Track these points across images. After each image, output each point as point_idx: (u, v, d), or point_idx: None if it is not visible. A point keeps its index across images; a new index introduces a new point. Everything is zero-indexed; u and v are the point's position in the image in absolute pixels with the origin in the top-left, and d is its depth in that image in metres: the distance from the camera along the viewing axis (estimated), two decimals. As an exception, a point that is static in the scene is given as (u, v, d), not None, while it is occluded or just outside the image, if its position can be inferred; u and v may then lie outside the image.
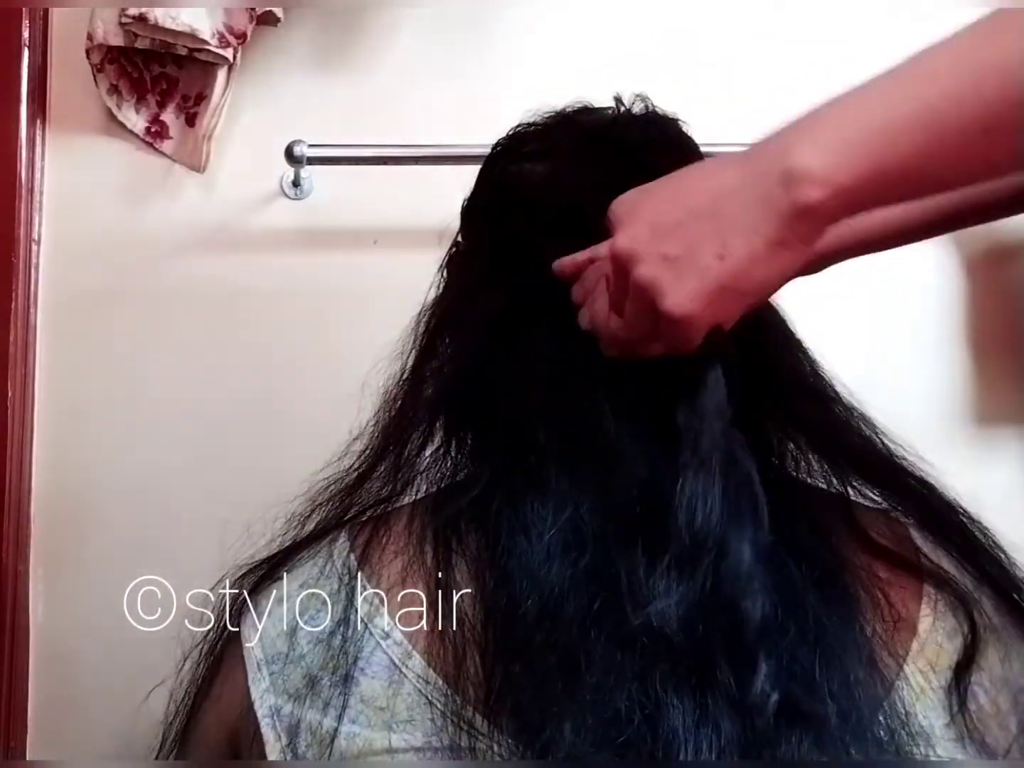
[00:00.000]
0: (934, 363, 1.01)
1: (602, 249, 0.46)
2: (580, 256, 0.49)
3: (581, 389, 0.49)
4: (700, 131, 0.59)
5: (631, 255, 0.41)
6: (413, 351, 0.57)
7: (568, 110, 0.58)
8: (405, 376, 0.56)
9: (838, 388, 0.54)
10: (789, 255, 0.38)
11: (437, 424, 0.53)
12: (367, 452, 0.54)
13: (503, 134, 0.60)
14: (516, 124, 0.59)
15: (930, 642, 0.45)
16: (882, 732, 0.42)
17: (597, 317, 0.47)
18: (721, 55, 1.01)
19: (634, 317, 0.43)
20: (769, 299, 0.56)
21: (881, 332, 1.00)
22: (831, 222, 0.37)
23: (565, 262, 0.50)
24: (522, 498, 0.46)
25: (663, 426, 0.47)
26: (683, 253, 0.39)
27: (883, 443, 0.52)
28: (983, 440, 1.00)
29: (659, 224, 0.41)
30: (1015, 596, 0.48)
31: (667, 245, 0.40)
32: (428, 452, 0.53)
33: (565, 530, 0.45)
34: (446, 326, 0.57)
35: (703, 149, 0.58)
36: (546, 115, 0.58)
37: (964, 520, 0.50)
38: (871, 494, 0.51)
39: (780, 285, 0.40)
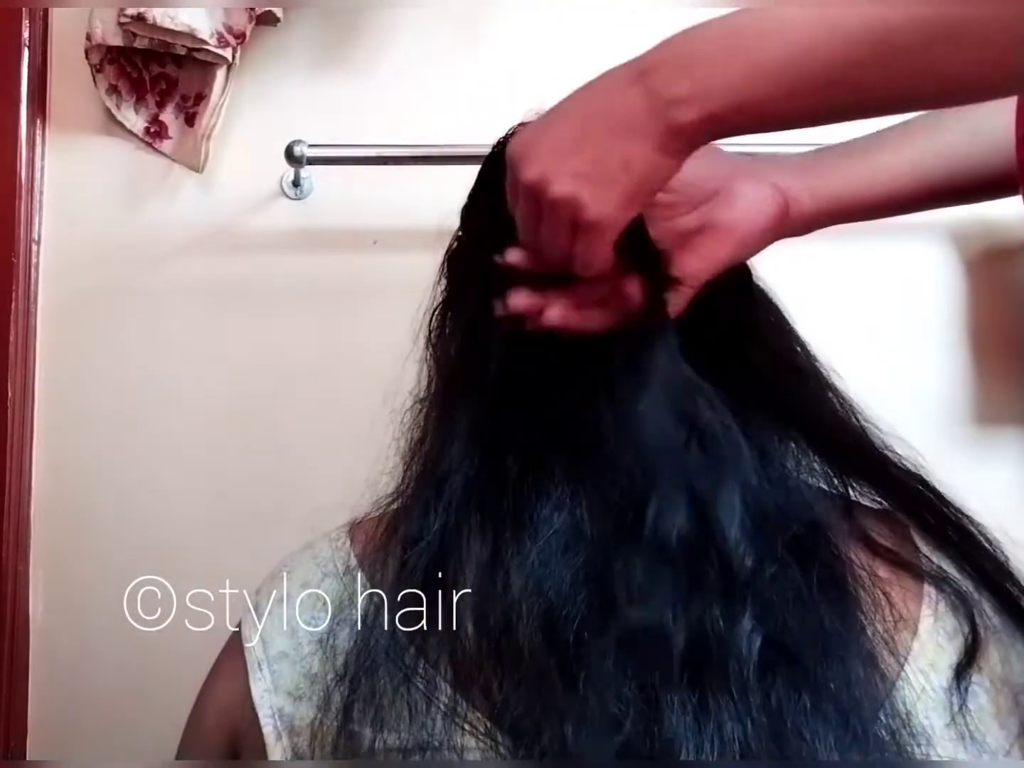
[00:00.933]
0: (934, 363, 1.01)
1: (509, 195, 0.49)
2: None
3: (582, 390, 0.49)
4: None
5: (542, 178, 0.45)
6: (424, 358, 0.57)
7: None
8: (420, 395, 0.56)
9: (837, 387, 0.54)
10: (678, 160, 0.45)
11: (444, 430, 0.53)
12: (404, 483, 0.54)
13: (503, 134, 0.60)
14: (516, 124, 0.59)
15: (931, 642, 0.45)
16: (883, 732, 0.42)
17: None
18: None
19: (551, 235, 0.47)
20: (770, 298, 0.56)
21: (881, 332, 1.00)
22: (706, 136, 0.44)
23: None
24: (523, 499, 0.47)
25: (663, 427, 0.47)
26: (591, 169, 0.45)
27: (882, 443, 0.52)
28: (983, 440, 1.00)
29: (561, 148, 0.45)
30: (1015, 596, 0.48)
31: (575, 163, 0.45)
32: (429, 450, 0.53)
33: (565, 531, 0.45)
34: (447, 326, 0.57)
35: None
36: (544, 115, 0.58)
37: (964, 520, 0.50)
38: (871, 495, 0.51)
39: (668, 179, 0.46)
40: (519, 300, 0.49)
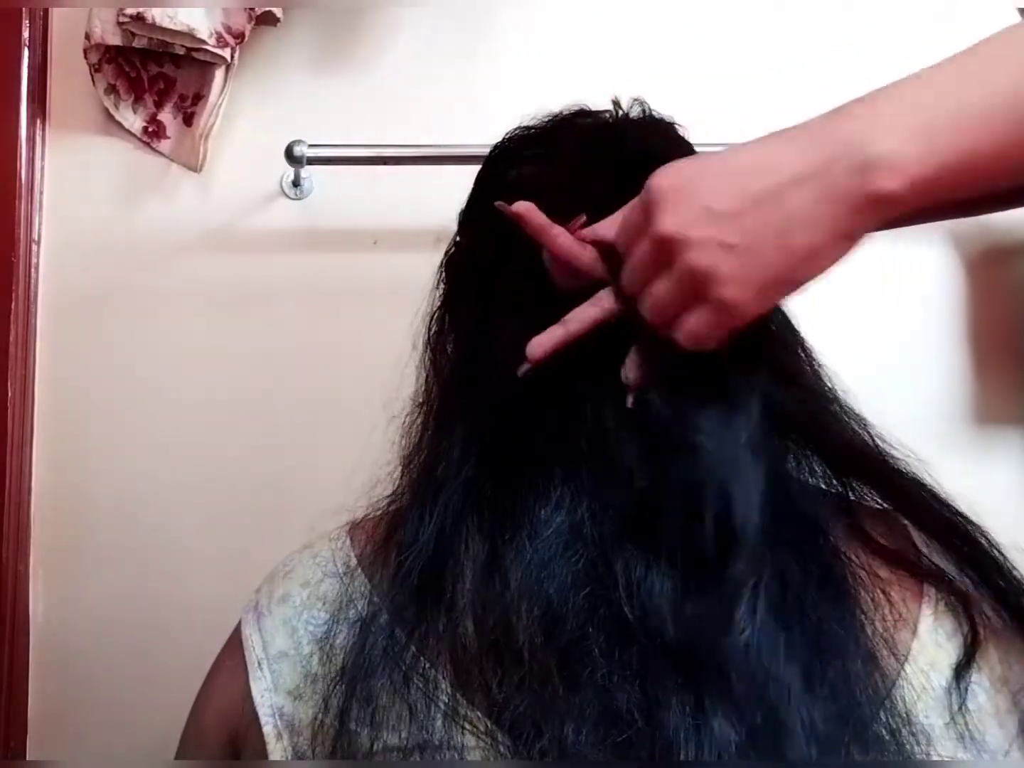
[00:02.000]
0: (934, 363, 1.01)
1: (628, 227, 0.44)
2: (590, 233, 0.48)
3: (583, 391, 0.49)
4: (698, 134, 0.59)
5: (684, 240, 0.39)
6: (422, 360, 0.57)
7: (565, 113, 0.58)
8: (419, 397, 0.56)
9: (835, 387, 0.54)
10: (850, 245, 0.37)
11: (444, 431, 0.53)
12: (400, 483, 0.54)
13: (502, 135, 0.60)
14: (513, 127, 0.59)
15: (930, 642, 0.45)
16: (883, 731, 0.42)
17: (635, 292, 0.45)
18: (720, 57, 1.01)
19: (668, 298, 0.42)
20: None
21: (881, 332, 1.00)
22: (900, 217, 0.36)
23: (566, 242, 0.48)
24: (522, 499, 0.47)
25: (666, 425, 0.47)
26: (742, 242, 0.38)
27: (880, 443, 0.52)
28: (983, 440, 1.00)
29: (716, 210, 0.38)
30: (1015, 596, 0.48)
31: (725, 233, 0.38)
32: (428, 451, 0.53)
33: (565, 531, 0.45)
34: (447, 331, 0.57)
35: (701, 151, 0.58)
36: (544, 118, 0.58)
37: (963, 520, 0.50)
38: (870, 495, 0.51)
39: (830, 268, 0.39)
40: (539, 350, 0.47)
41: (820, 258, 0.38)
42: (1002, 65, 0.34)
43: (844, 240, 0.37)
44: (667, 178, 0.41)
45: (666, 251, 0.40)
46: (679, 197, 0.40)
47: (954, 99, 0.35)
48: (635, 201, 0.43)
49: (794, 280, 0.39)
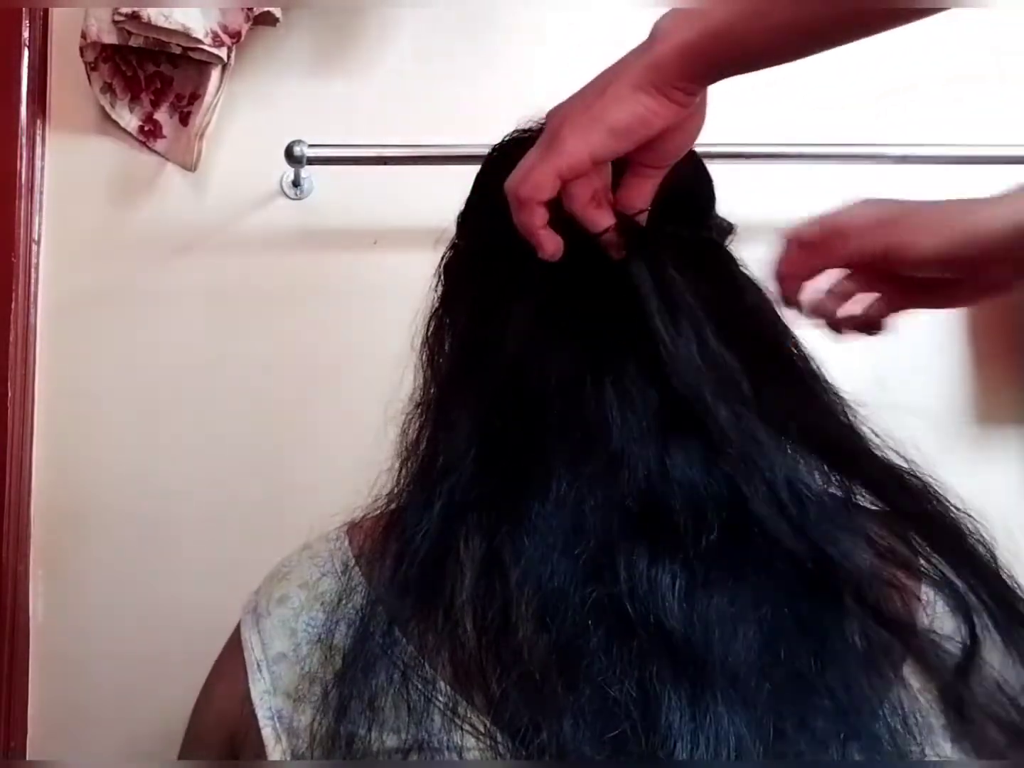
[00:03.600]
0: (934, 363, 1.01)
1: None
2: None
3: (584, 387, 0.49)
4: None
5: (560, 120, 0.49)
6: (420, 360, 0.57)
7: None
8: (417, 397, 0.56)
9: (833, 387, 0.54)
10: (646, 99, 0.46)
11: (441, 429, 0.53)
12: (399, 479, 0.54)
13: (502, 135, 0.60)
14: (513, 129, 0.59)
15: (928, 643, 0.45)
16: (881, 731, 0.41)
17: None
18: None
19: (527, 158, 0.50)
20: (769, 298, 0.56)
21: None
22: (685, 71, 0.45)
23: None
24: (521, 495, 0.47)
25: (668, 421, 0.47)
26: (580, 102, 0.48)
27: (879, 444, 0.52)
28: (983, 440, 1.00)
29: (566, 105, 0.49)
30: (1013, 597, 0.48)
31: (580, 100, 0.49)
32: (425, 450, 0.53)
33: (565, 526, 0.45)
34: (446, 331, 0.57)
35: (700, 151, 0.58)
36: (541, 121, 0.58)
37: (963, 521, 0.50)
38: (869, 495, 0.51)
39: (642, 125, 0.47)
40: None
41: (620, 103, 0.46)
42: None
43: (637, 91, 0.46)
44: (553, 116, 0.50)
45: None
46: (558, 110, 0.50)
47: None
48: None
49: (603, 120, 0.47)
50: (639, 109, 0.46)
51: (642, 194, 0.52)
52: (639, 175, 0.52)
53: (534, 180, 0.49)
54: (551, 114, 0.50)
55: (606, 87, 0.47)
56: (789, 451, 0.50)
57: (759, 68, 0.47)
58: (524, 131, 0.59)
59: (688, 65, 0.44)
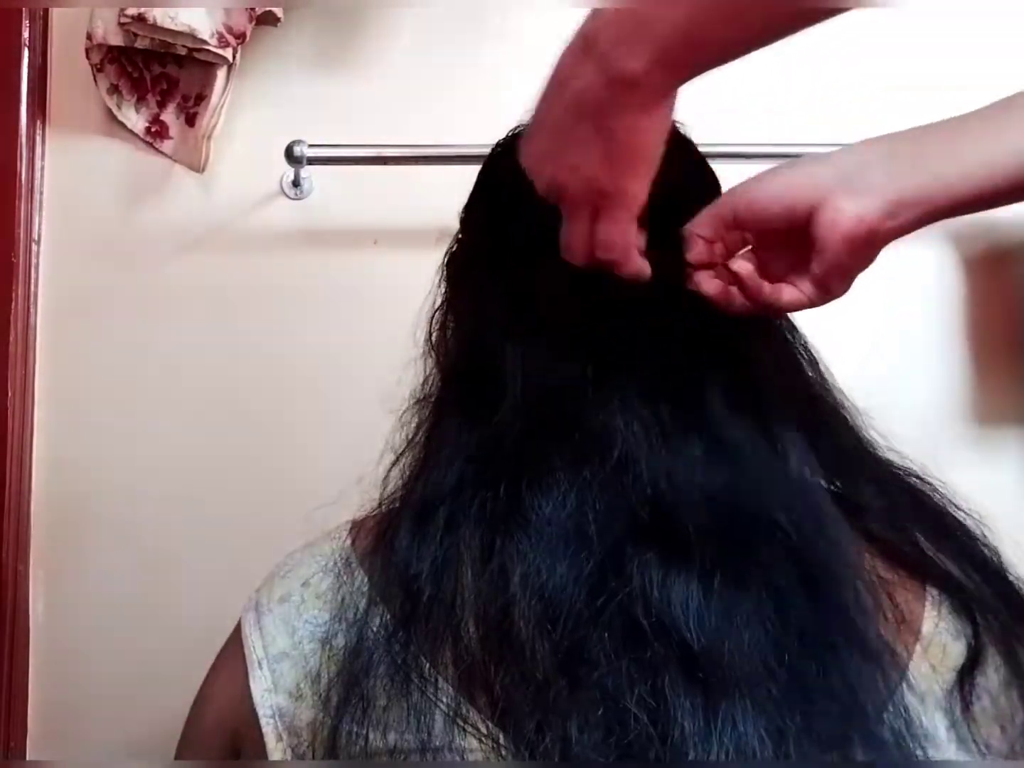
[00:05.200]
0: (934, 363, 1.01)
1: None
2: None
3: (588, 387, 0.49)
4: (699, 132, 0.59)
5: (554, 189, 0.47)
6: (422, 358, 0.57)
7: None
8: (419, 394, 0.56)
9: (837, 388, 0.54)
10: (658, 110, 0.44)
11: (443, 427, 0.53)
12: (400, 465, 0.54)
13: (503, 134, 0.60)
14: (515, 125, 0.59)
15: (934, 644, 0.45)
16: (886, 733, 0.41)
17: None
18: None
19: (573, 226, 0.48)
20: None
21: (881, 332, 1.00)
22: (664, 81, 0.43)
23: None
24: (523, 495, 0.46)
25: (674, 423, 0.47)
26: (582, 154, 0.45)
27: (879, 442, 0.52)
28: (984, 440, 1.00)
29: (548, 154, 0.47)
30: (1017, 597, 0.48)
31: (566, 161, 0.46)
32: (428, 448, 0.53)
33: (567, 528, 0.45)
34: (448, 329, 0.57)
35: (702, 150, 0.58)
36: None
37: (966, 521, 0.50)
38: (872, 495, 0.51)
39: (658, 137, 0.46)
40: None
41: (636, 129, 0.44)
42: None
43: (642, 109, 0.44)
44: (524, 159, 0.49)
45: (554, 198, 0.48)
46: (532, 164, 0.48)
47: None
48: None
49: (638, 155, 0.45)
50: (659, 124, 0.45)
51: None
52: None
53: (617, 242, 0.47)
54: (532, 172, 0.48)
55: (599, 131, 0.44)
56: (794, 453, 0.50)
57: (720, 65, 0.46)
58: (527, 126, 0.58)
59: (670, 75, 0.43)
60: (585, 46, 0.44)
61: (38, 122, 0.99)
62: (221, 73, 0.93)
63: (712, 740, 0.39)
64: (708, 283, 0.50)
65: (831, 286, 0.48)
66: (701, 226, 0.50)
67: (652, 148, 0.45)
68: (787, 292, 0.49)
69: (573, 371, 0.49)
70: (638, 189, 0.45)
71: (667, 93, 0.44)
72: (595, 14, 0.44)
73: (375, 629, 0.45)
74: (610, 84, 0.42)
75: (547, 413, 0.49)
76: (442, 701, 0.43)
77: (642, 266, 0.48)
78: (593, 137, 0.44)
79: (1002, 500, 0.96)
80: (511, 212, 0.54)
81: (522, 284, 0.53)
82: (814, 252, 0.47)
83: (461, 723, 0.42)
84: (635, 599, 0.42)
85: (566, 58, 0.45)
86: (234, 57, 0.92)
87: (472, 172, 0.61)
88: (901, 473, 0.51)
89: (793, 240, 0.48)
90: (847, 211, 0.46)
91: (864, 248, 0.47)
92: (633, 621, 0.42)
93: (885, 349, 0.99)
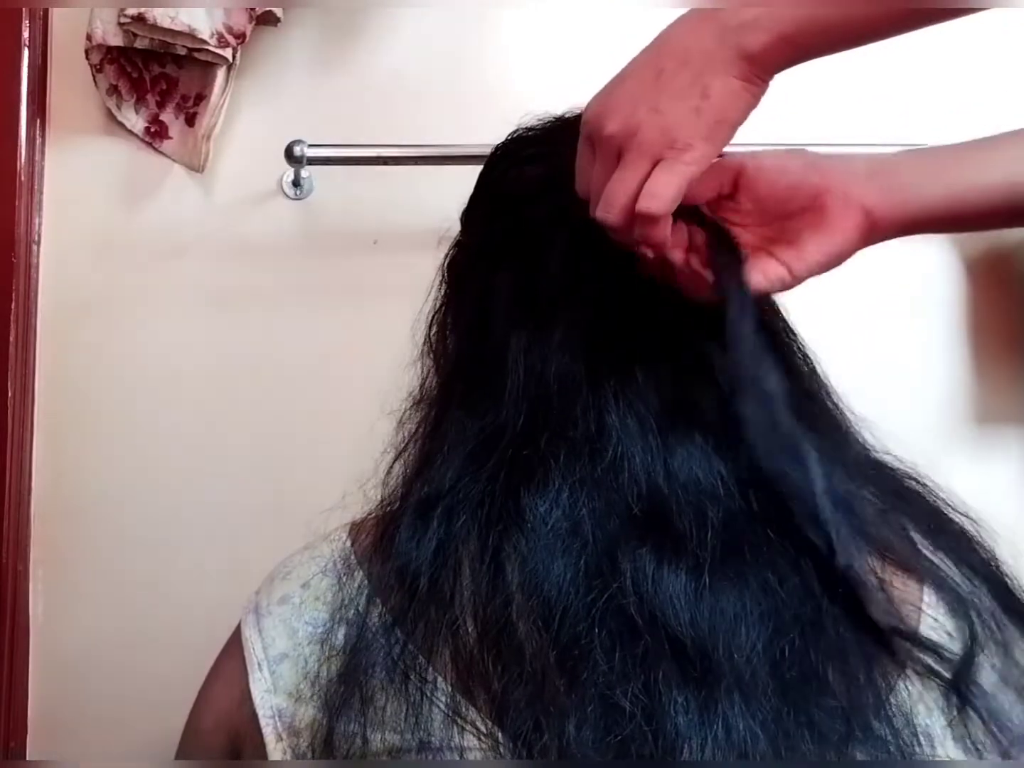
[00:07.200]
0: (934, 363, 1.01)
1: (582, 163, 0.50)
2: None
3: (585, 386, 0.49)
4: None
5: (626, 128, 0.46)
6: (421, 359, 0.57)
7: (567, 115, 0.58)
8: (418, 393, 0.56)
9: (832, 387, 0.54)
10: (756, 87, 0.46)
11: (442, 428, 0.53)
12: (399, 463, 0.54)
13: (502, 136, 0.60)
14: (515, 128, 0.59)
15: (931, 643, 0.45)
16: (884, 732, 0.41)
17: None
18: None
19: (630, 171, 0.47)
20: (768, 300, 0.56)
21: (881, 332, 1.00)
22: (780, 61, 0.45)
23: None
24: (520, 494, 0.47)
25: (669, 421, 0.47)
26: (673, 103, 0.45)
27: (879, 443, 0.52)
28: (984, 440, 1.00)
29: (640, 95, 0.46)
30: (1014, 596, 0.48)
31: (657, 101, 0.46)
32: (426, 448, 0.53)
33: (564, 527, 0.45)
34: (448, 329, 0.57)
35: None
36: (545, 120, 0.59)
37: (964, 520, 0.50)
38: (868, 496, 0.51)
39: (749, 110, 0.47)
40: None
41: (737, 98, 0.45)
42: None
43: (747, 83, 0.45)
44: (594, 103, 0.48)
45: (616, 147, 0.47)
46: (609, 106, 0.47)
47: None
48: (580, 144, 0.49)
49: (727, 120, 0.46)
50: (752, 102, 0.46)
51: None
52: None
53: (666, 194, 0.46)
54: (604, 115, 0.47)
55: (697, 83, 0.45)
56: (796, 454, 0.50)
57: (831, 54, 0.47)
58: (528, 129, 0.59)
59: (785, 59, 0.45)
60: (705, 17, 0.45)
61: (38, 122, 0.99)
62: (221, 73, 0.93)
63: (707, 736, 0.40)
64: (675, 254, 0.50)
65: (819, 264, 0.50)
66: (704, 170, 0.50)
67: (738, 117, 0.46)
68: (770, 266, 0.50)
69: (569, 370, 0.50)
70: (709, 151, 0.46)
71: (772, 74, 0.46)
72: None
73: (374, 628, 0.45)
74: (727, 49, 0.44)
75: (544, 412, 0.49)
76: (440, 700, 0.43)
77: (668, 236, 0.48)
78: (689, 88, 0.45)
79: (1002, 500, 0.97)
80: (510, 215, 0.54)
81: (522, 284, 0.53)
82: (815, 232, 0.49)
83: (460, 721, 0.42)
84: (629, 595, 0.43)
85: (680, 25, 0.47)
86: (234, 57, 0.92)
87: (472, 172, 0.61)
88: (897, 474, 0.51)
89: (776, 215, 0.50)
90: (862, 200, 0.49)
91: (865, 241, 0.50)
92: (627, 617, 0.42)
93: (886, 349, 0.99)
